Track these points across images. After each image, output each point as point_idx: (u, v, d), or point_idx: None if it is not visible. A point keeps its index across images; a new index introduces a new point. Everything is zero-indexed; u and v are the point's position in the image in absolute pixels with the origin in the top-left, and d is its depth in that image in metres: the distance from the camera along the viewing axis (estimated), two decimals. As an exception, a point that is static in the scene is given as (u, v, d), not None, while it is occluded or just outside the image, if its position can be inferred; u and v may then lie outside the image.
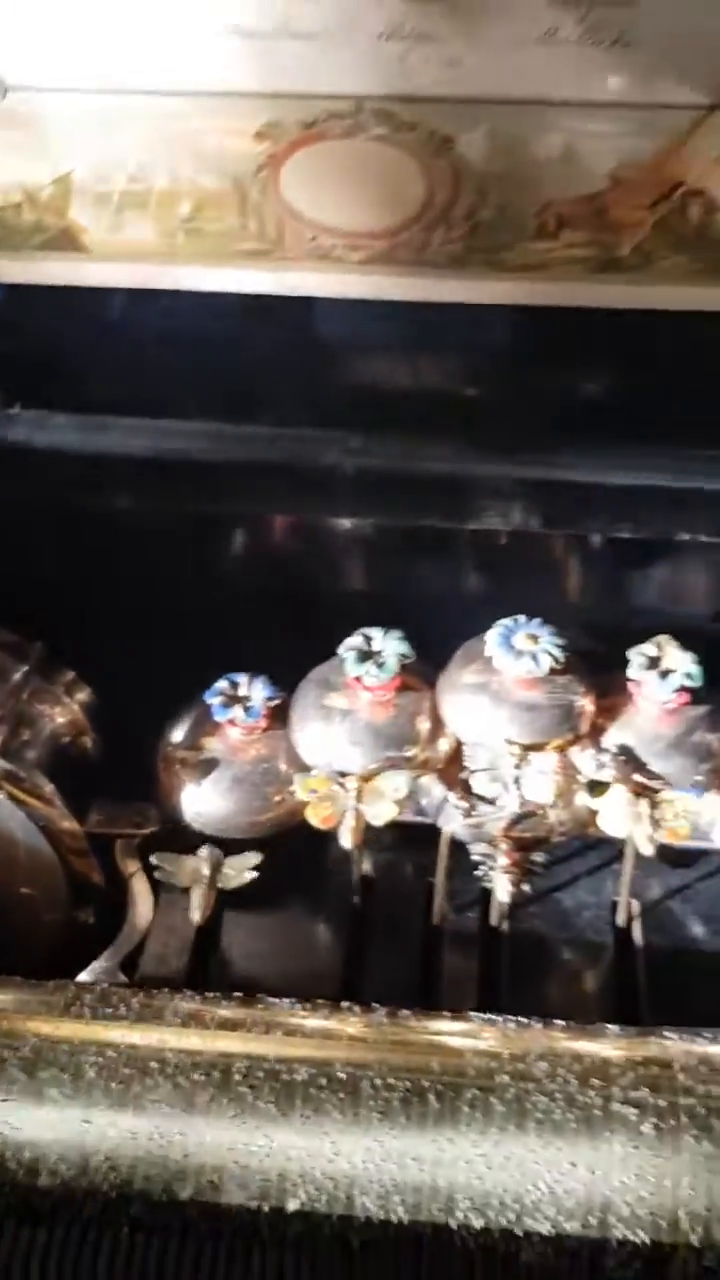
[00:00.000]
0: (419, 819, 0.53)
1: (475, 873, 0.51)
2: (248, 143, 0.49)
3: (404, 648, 0.50)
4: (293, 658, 0.53)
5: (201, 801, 0.52)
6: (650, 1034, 0.43)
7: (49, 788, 0.52)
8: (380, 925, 0.52)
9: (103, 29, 0.47)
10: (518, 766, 0.48)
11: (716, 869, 0.53)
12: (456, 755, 0.52)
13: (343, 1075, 0.41)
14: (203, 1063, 0.41)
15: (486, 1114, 0.40)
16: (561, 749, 0.49)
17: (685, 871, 0.54)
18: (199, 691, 0.53)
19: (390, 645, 0.51)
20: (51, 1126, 0.40)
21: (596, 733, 0.51)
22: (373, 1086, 0.40)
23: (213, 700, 0.52)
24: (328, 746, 0.51)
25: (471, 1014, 0.44)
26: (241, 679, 0.53)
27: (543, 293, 0.50)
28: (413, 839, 0.54)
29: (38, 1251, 0.39)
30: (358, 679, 0.50)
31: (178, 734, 0.54)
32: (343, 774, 0.49)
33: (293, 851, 0.52)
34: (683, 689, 0.48)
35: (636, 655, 0.50)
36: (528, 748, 0.48)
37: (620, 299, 0.50)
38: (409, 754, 0.50)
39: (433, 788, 0.52)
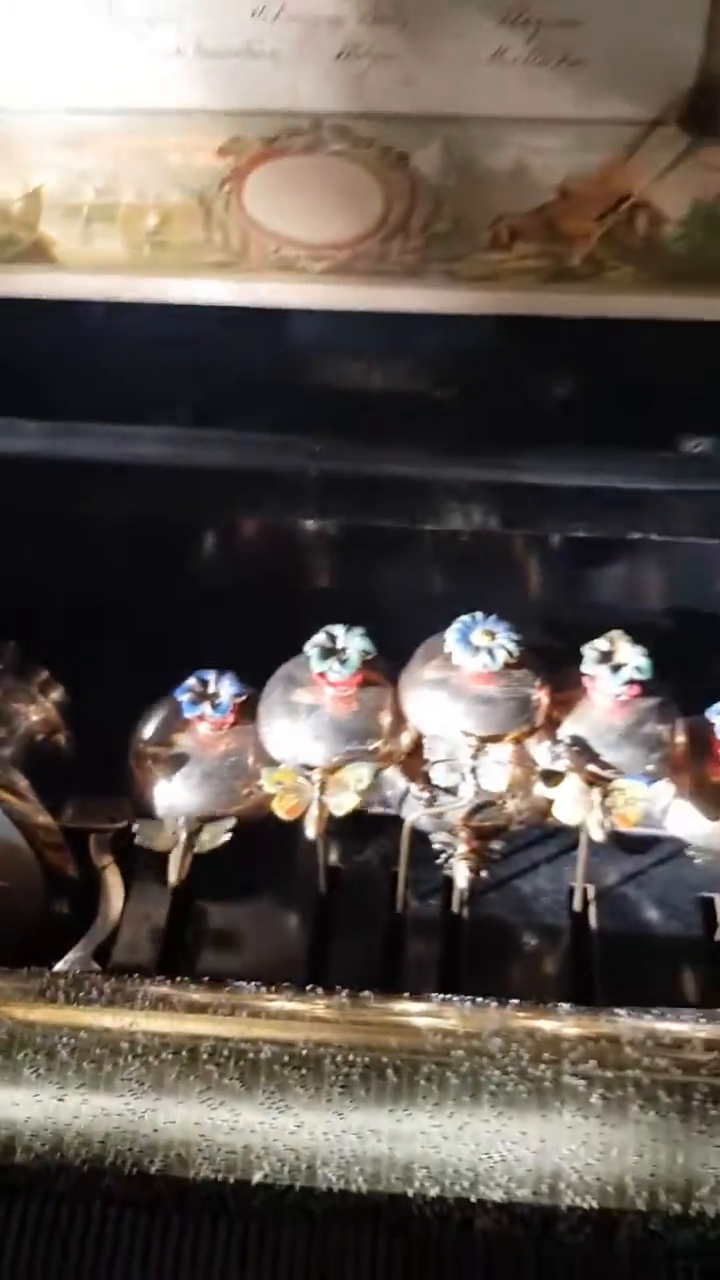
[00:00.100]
0: (383, 810, 0.56)
1: (437, 861, 0.54)
2: (212, 158, 0.51)
3: (366, 644, 0.52)
4: (261, 655, 0.55)
5: (172, 795, 0.54)
6: (601, 1012, 0.46)
7: (24, 784, 0.54)
8: (346, 913, 0.54)
9: (72, 52, 0.49)
10: (474, 757, 0.50)
11: (669, 855, 0.56)
12: (418, 748, 0.54)
13: (305, 1053, 0.43)
14: (171, 1043, 0.43)
15: (442, 1088, 0.42)
16: (517, 740, 0.52)
17: (640, 858, 0.56)
18: (170, 689, 0.55)
19: (353, 642, 0.53)
20: (27, 1105, 0.42)
21: (552, 725, 0.53)
22: (334, 1063, 0.42)
23: (182, 697, 0.54)
24: (294, 740, 0.53)
25: (430, 995, 0.46)
26: (210, 676, 0.55)
27: (497, 301, 0.53)
28: (378, 829, 0.56)
29: (14, 1225, 0.41)
30: (322, 675, 0.52)
31: (149, 730, 0.56)
32: (308, 767, 0.52)
33: (261, 842, 0.54)
34: (633, 682, 0.51)
35: (590, 650, 0.52)
36: (485, 739, 0.51)
37: (571, 307, 0.52)
38: (372, 747, 0.52)
39: (396, 780, 0.55)
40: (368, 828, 0.57)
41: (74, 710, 0.58)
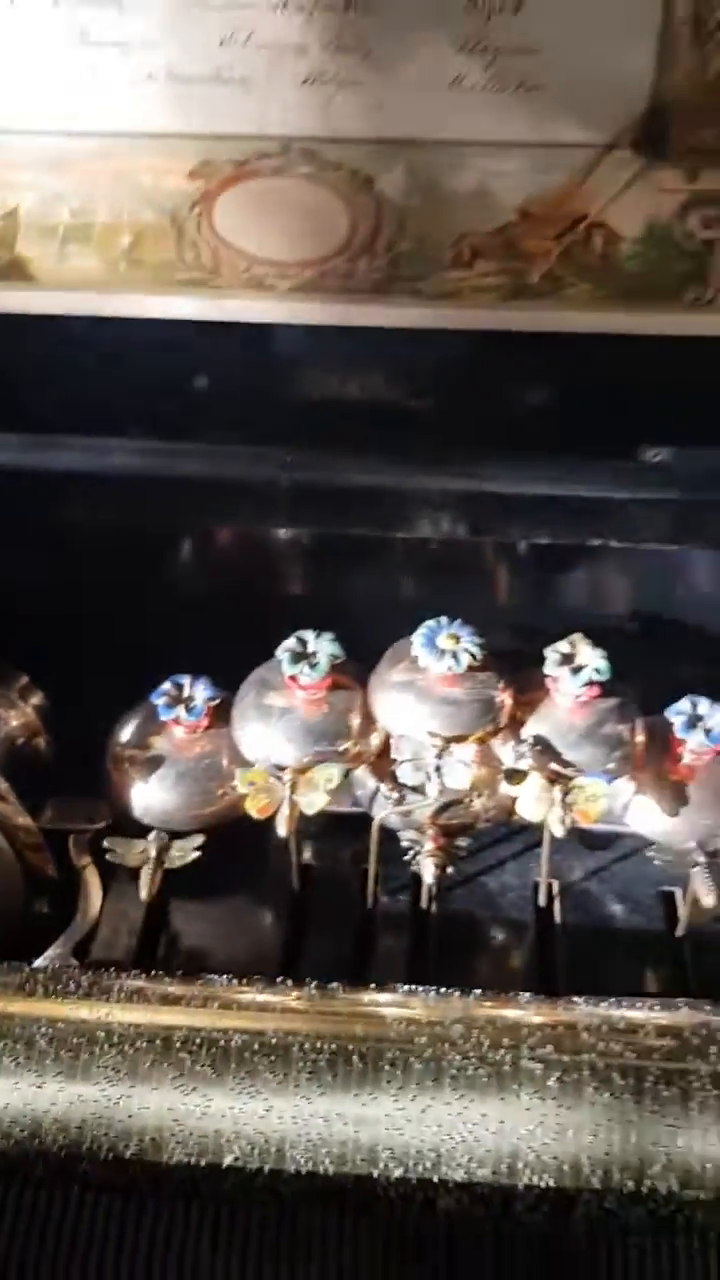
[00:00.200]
0: (355, 809, 0.58)
1: (405, 858, 0.56)
2: (183, 180, 0.53)
3: (335, 648, 0.55)
4: (235, 659, 0.58)
5: (149, 796, 0.56)
6: (559, 1000, 0.48)
7: (4, 786, 0.56)
8: (318, 909, 0.57)
9: (48, 77, 0.52)
10: (439, 757, 0.52)
11: (631, 850, 0.58)
12: (387, 749, 0.56)
13: (274, 1041, 0.45)
14: (145, 1033, 0.45)
15: (406, 1073, 0.45)
16: (482, 740, 0.54)
17: (603, 854, 0.59)
18: (146, 693, 0.57)
19: (323, 646, 0.55)
20: (5, 1093, 0.44)
21: (517, 725, 0.56)
22: (301, 1050, 0.45)
23: (158, 701, 0.56)
24: (266, 742, 0.55)
25: (395, 986, 0.48)
26: (185, 680, 0.57)
27: (460, 318, 0.55)
28: (349, 828, 0.58)
29: (-7, 1208, 0.44)
30: (293, 678, 0.55)
31: (126, 733, 0.58)
32: (279, 767, 0.54)
33: (236, 842, 0.56)
34: (593, 683, 0.53)
35: (551, 652, 0.55)
36: (449, 740, 0.53)
37: (532, 323, 0.55)
38: (342, 748, 0.54)
39: (366, 779, 0.57)
40: (340, 827, 0.59)
41: (53, 714, 0.60)
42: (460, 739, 0.54)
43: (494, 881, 0.58)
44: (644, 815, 0.56)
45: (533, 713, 0.55)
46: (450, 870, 0.55)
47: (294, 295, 0.56)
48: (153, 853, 0.54)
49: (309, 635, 0.56)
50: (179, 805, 0.56)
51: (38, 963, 0.54)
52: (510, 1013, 0.47)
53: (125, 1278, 0.44)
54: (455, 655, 0.53)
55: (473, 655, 0.53)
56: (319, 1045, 0.45)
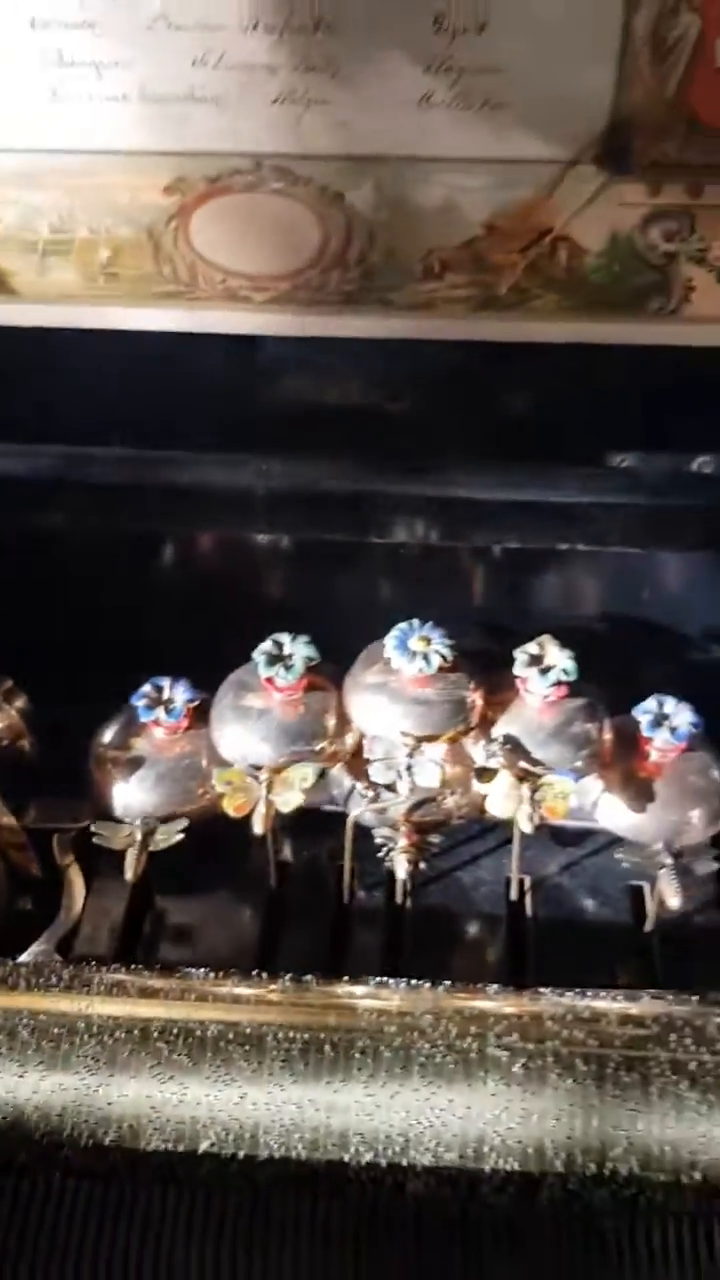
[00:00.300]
0: (332, 808, 0.61)
1: (379, 855, 0.58)
2: (159, 196, 0.55)
3: (310, 651, 0.57)
4: (214, 662, 0.60)
5: (130, 796, 0.58)
6: (525, 991, 0.50)
7: (-11, 787, 0.58)
8: (295, 904, 0.59)
9: (26, 95, 0.53)
10: (410, 756, 0.54)
11: (601, 846, 0.60)
12: (362, 748, 0.58)
13: (249, 1031, 0.47)
14: (124, 1024, 0.47)
15: (376, 1060, 0.46)
16: (453, 740, 0.56)
17: (574, 850, 0.61)
18: (128, 695, 0.59)
19: (298, 649, 0.57)
20: (-11, 1083, 0.47)
21: (487, 724, 0.58)
22: (275, 1039, 0.47)
23: (139, 702, 0.59)
24: (244, 742, 0.57)
25: (367, 978, 0.50)
26: (165, 683, 0.59)
27: (430, 328, 0.57)
28: (327, 826, 0.60)
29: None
30: (269, 680, 0.57)
31: (108, 734, 0.60)
32: (256, 767, 0.56)
33: (216, 840, 0.58)
34: (560, 683, 0.55)
35: (521, 654, 0.57)
36: (421, 739, 0.55)
37: (500, 333, 0.57)
38: (317, 748, 0.57)
39: (342, 779, 0.59)
40: (318, 824, 0.61)
41: (37, 716, 0.62)
42: (432, 738, 0.56)
43: (468, 877, 0.60)
44: (612, 811, 0.58)
45: (503, 712, 0.58)
46: (423, 866, 0.56)
47: (269, 307, 0.58)
48: (138, 836, 0.56)
49: (285, 638, 0.58)
50: (159, 804, 0.58)
51: (22, 958, 0.56)
52: (477, 1003, 0.49)
53: (105, 1260, 0.46)
54: (426, 657, 0.55)
55: (443, 657, 0.56)
56: (292, 1035, 0.47)
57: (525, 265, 0.55)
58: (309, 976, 0.50)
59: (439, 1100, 0.46)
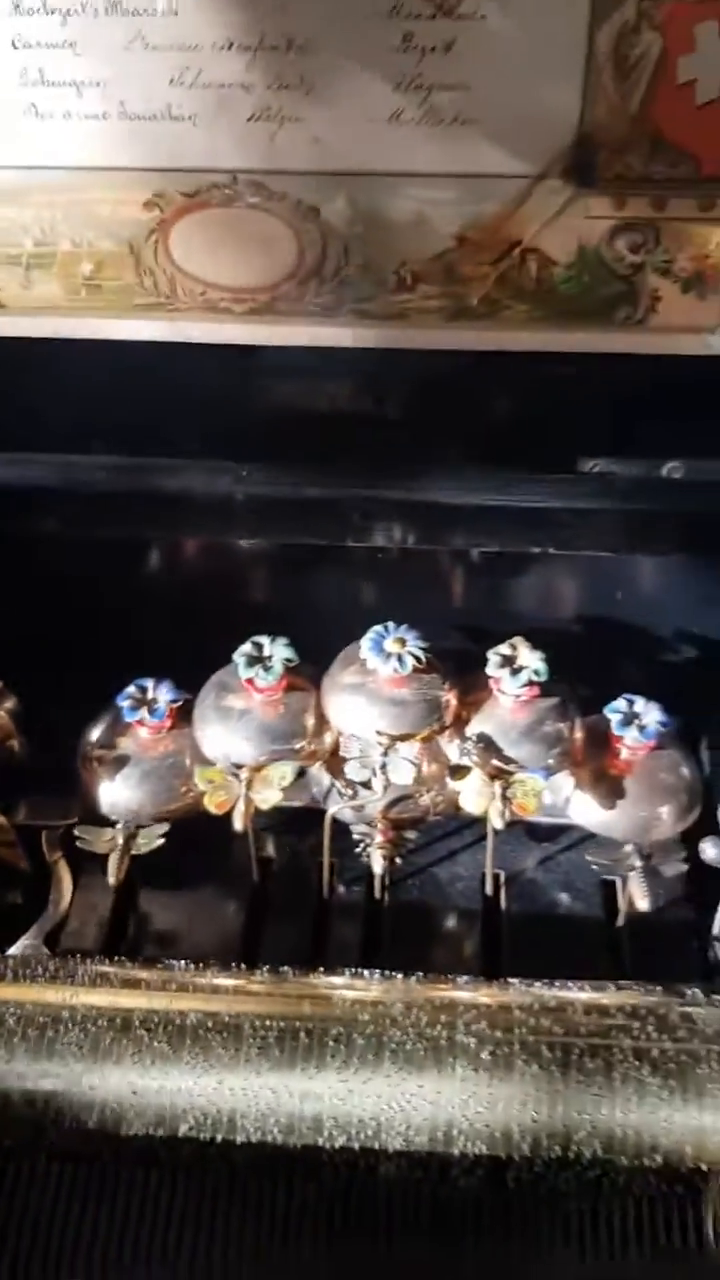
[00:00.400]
0: (313, 805, 0.63)
1: (357, 850, 0.60)
2: (139, 211, 0.58)
3: (289, 653, 0.59)
4: (199, 663, 0.62)
5: (116, 794, 0.60)
6: (494, 981, 0.52)
7: (-22, 786, 0.60)
8: (276, 899, 0.61)
9: (8, 114, 0.55)
10: (385, 754, 0.56)
11: (575, 842, 0.62)
12: (340, 747, 0.60)
13: (227, 1019, 0.49)
14: (107, 1013, 0.50)
15: (349, 1047, 0.49)
16: (427, 739, 0.58)
17: (548, 845, 0.63)
18: (114, 696, 0.62)
19: (277, 651, 0.59)
20: (-24, 1070, 0.49)
21: (462, 723, 0.60)
22: (252, 1028, 0.49)
23: (124, 703, 0.61)
24: (226, 742, 0.59)
25: (343, 969, 0.52)
26: (149, 684, 0.61)
27: (405, 338, 0.59)
28: (308, 823, 0.63)
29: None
30: (250, 681, 0.59)
31: (95, 734, 0.62)
32: (236, 765, 0.58)
33: (199, 836, 0.60)
34: (531, 683, 0.57)
35: (493, 655, 0.59)
36: (396, 738, 0.57)
37: (473, 343, 0.59)
38: (296, 746, 0.59)
39: (321, 777, 0.61)
40: (300, 821, 0.63)
41: (26, 717, 0.65)
42: (407, 737, 0.58)
43: (445, 872, 0.62)
44: (585, 808, 0.60)
45: (477, 712, 0.60)
46: (399, 861, 0.59)
47: (248, 318, 0.60)
48: (120, 840, 0.59)
49: (264, 640, 0.60)
50: (144, 802, 0.61)
51: (11, 951, 0.58)
52: (447, 993, 0.51)
53: (87, 1240, 0.48)
54: (400, 658, 0.57)
55: (417, 658, 0.58)
56: (268, 1023, 0.49)
57: (496, 276, 0.57)
58: (286, 968, 0.53)
59: (410, 1086, 0.49)
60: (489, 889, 0.61)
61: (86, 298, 0.59)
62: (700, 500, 0.60)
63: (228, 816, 0.58)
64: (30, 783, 0.63)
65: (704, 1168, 0.47)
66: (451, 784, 0.58)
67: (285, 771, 0.58)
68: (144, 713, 0.60)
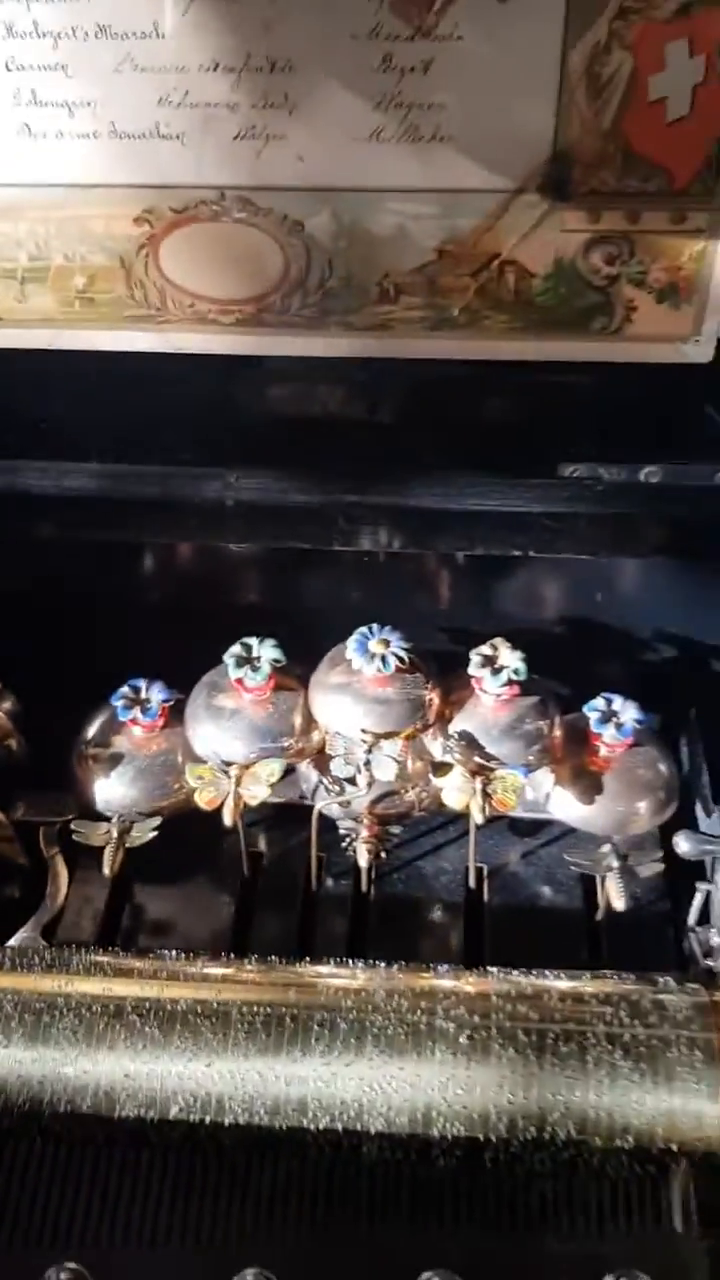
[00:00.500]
0: (302, 801, 0.65)
1: (343, 845, 0.62)
2: (130, 226, 0.60)
3: (277, 654, 0.61)
4: (189, 664, 0.64)
5: (111, 790, 0.63)
6: (474, 970, 0.54)
7: (-23, 783, 0.63)
8: (266, 892, 0.63)
9: (1, 134, 0.58)
10: (368, 752, 0.58)
11: (556, 837, 0.64)
12: (327, 745, 0.63)
13: (215, 1005, 0.52)
14: (100, 1000, 0.52)
15: (332, 1033, 0.51)
16: (411, 736, 0.60)
17: (530, 840, 0.65)
18: (109, 696, 0.64)
19: (266, 652, 0.61)
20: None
21: (445, 721, 0.62)
22: (240, 1013, 0.51)
23: (117, 702, 0.63)
24: (216, 740, 0.62)
25: (327, 959, 0.55)
26: (142, 684, 0.64)
27: (388, 347, 0.61)
28: (298, 818, 0.65)
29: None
30: (239, 681, 0.61)
31: (90, 733, 0.65)
32: (226, 763, 0.60)
33: (191, 832, 0.63)
34: (511, 682, 0.60)
35: (475, 655, 0.61)
36: (380, 736, 0.59)
37: (454, 352, 0.61)
38: (285, 744, 0.61)
39: (310, 773, 0.64)
40: (290, 817, 0.65)
41: (24, 717, 0.67)
42: (391, 735, 0.60)
43: (429, 866, 0.64)
44: (564, 804, 0.63)
45: (459, 710, 0.62)
46: (384, 855, 0.61)
47: (236, 329, 0.62)
48: (114, 833, 0.61)
49: (253, 641, 0.63)
50: (138, 798, 0.63)
51: (10, 943, 0.61)
52: (428, 981, 0.53)
53: (81, 1219, 0.50)
54: (384, 659, 0.60)
55: (400, 659, 0.60)
56: (255, 1010, 0.52)
57: (476, 288, 0.59)
58: (273, 957, 0.55)
59: (391, 1070, 0.51)
60: (472, 882, 0.64)
61: (80, 310, 0.62)
62: (676, 504, 0.63)
63: (218, 812, 0.61)
64: (28, 780, 0.65)
65: (674, 1148, 0.50)
66: (434, 780, 0.60)
67: (273, 768, 0.60)
68: (137, 712, 0.63)
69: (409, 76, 0.55)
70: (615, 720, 0.61)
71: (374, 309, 0.60)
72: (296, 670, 0.63)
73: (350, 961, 0.54)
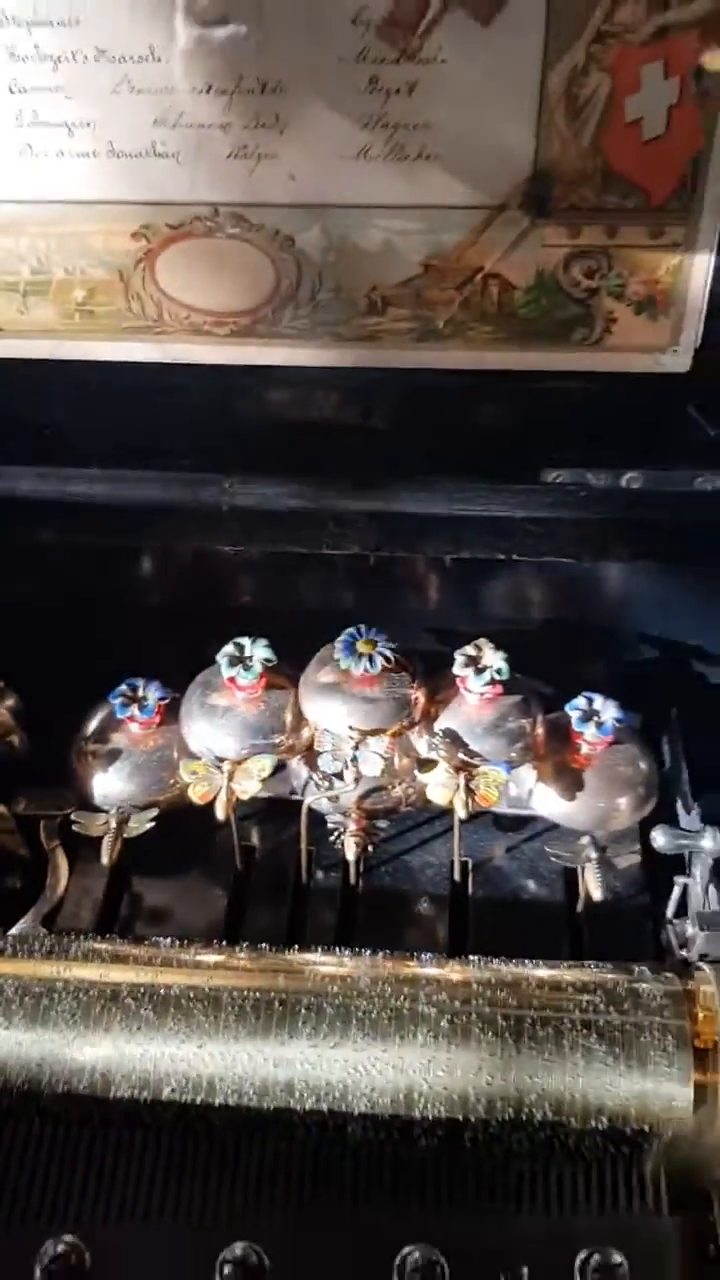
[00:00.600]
0: (294, 797, 0.67)
1: (331, 839, 0.64)
2: (127, 241, 0.62)
3: (268, 653, 0.63)
4: (184, 663, 0.66)
5: (108, 785, 0.65)
6: (456, 958, 0.56)
7: (-20, 778, 0.65)
8: (258, 885, 0.65)
9: (4, 152, 0.60)
10: (355, 748, 0.60)
11: (539, 832, 0.66)
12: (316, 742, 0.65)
13: (207, 990, 0.54)
14: (97, 985, 0.54)
15: (319, 1016, 0.53)
16: (396, 734, 0.63)
17: (513, 835, 0.67)
18: (107, 694, 0.66)
19: (257, 652, 0.64)
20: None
21: (431, 719, 0.64)
22: (230, 998, 0.54)
23: (115, 700, 0.66)
24: (209, 737, 0.64)
25: (315, 947, 0.57)
26: (139, 683, 0.66)
27: (377, 358, 0.64)
28: (287, 813, 0.67)
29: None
30: (232, 680, 0.63)
31: (89, 729, 0.67)
32: (219, 759, 0.62)
33: (186, 826, 0.65)
34: (494, 682, 0.62)
35: (459, 655, 0.63)
36: (367, 733, 0.61)
37: (440, 363, 0.63)
38: (275, 741, 0.64)
39: (300, 770, 0.66)
40: (282, 812, 0.68)
41: (26, 714, 0.69)
42: (377, 732, 0.62)
43: (416, 859, 0.66)
44: (547, 800, 0.65)
45: (444, 709, 0.64)
46: (372, 849, 0.63)
47: (230, 340, 0.64)
48: (113, 824, 0.63)
49: (246, 641, 0.65)
50: (135, 792, 0.66)
51: (12, 931, 0.63)
52: (411, 968, 0.56)
53: (78, 1196, 0.52)
54: (371, 659, 0.62)
55: (386, 658, 0.62)
56: (245, 994, 0.54)
57: (460, 300, 0.62)
58: (263, 944, 0.57)
59: (375, 1053, 0.53)
60: (457, 876, 0.66)
61: (80, 322, 0.64)
62: (657, 509, 0.65)
63: (212, 806, 0.63)
64: (29, 775, 0.68)
65: (646, 1129, 0.52)
66: (420, 776, 0.62)
67: (265, 764, 0.62)
68: (134, 710, 0.65)
69: (395, 98, 0.57)
70: (596, 719, 0.63)
71: (362, 321, 0.63)
72: (287, 670, 0.65)
73: (337, 950, 0.56)
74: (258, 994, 0.53)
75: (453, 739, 0.62)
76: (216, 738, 0.63)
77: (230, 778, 0.62)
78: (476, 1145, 0.52)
